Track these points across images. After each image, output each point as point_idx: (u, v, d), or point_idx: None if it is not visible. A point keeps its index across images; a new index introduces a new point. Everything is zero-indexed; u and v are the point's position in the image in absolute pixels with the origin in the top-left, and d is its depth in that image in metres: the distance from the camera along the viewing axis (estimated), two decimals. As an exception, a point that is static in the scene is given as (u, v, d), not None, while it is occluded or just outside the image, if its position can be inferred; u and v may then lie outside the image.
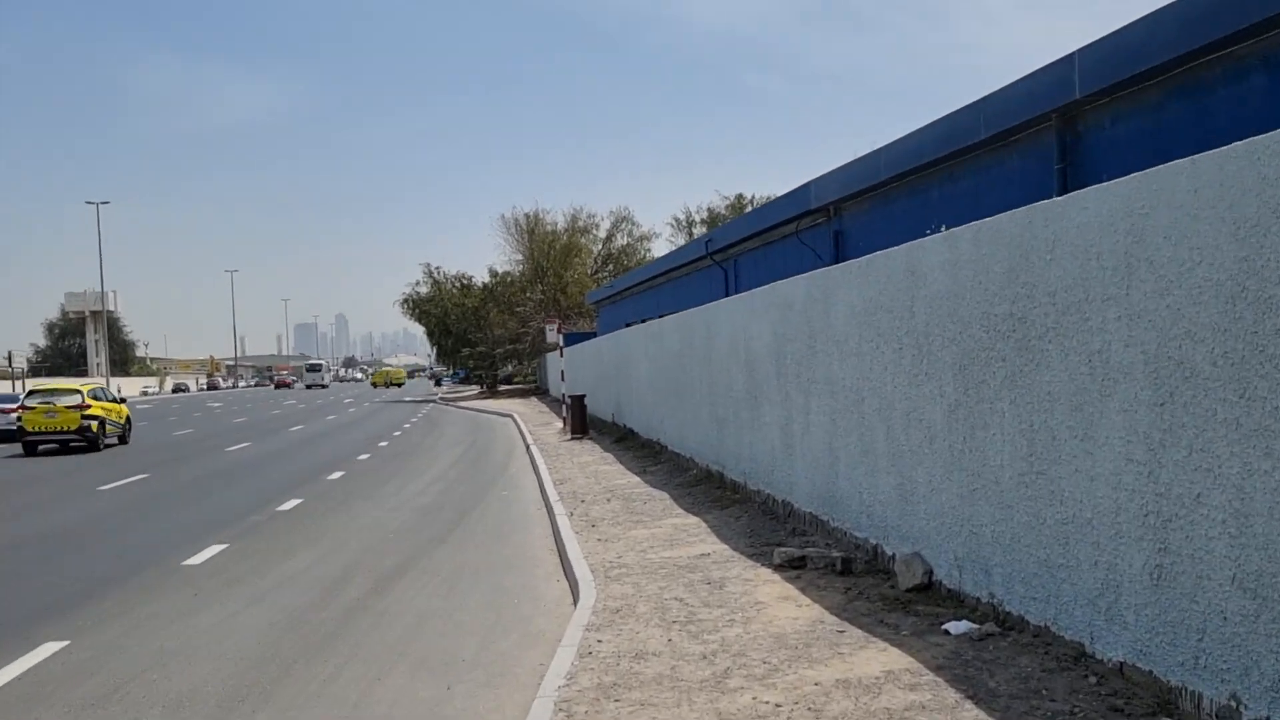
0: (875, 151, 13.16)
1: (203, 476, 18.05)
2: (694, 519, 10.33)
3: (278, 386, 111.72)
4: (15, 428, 26.36)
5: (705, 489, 12.27)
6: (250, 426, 34.75)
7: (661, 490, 12.67)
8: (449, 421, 34.54)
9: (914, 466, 6.70)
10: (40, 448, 25.54)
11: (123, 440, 27.40)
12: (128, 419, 28.21)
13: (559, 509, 11.57)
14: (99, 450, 25.12)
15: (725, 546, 8.80)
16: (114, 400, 27.94)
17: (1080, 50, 9.11)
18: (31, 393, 27.69)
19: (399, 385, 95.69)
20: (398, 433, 29.12)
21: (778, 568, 7.66)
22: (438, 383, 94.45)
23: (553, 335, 26.17)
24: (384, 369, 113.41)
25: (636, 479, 14.21)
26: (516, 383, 63.44)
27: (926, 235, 7.22)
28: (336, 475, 17.38)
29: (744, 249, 19.88)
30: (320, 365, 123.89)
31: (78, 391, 26.18)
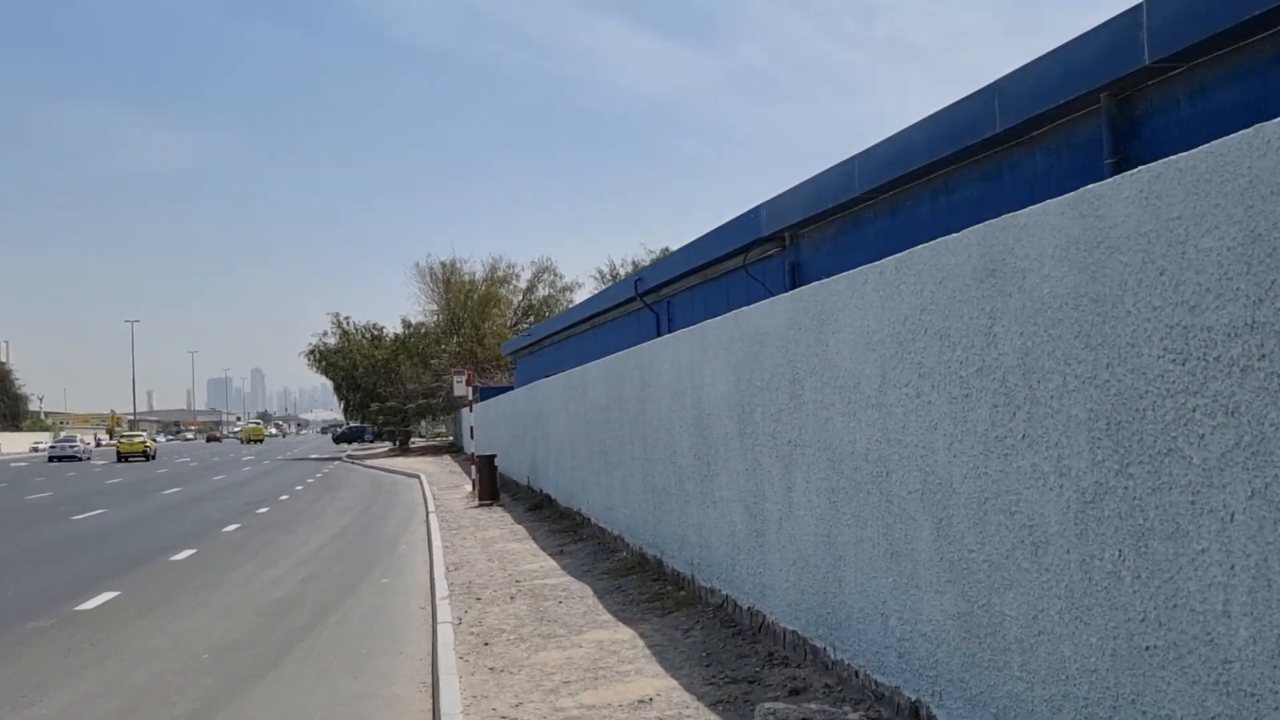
0: (846, 162, 10.77)
1: (8, 556, 14.60)
2: (626, 631, 7.55)
3: (209, 440, 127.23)
4: (87, 456, 60.05)
5: (639, 581, 9.50)
6: (121, 489, 30.87)
7: (582, 582, 9.86)
8: (348, 483, 31.18)
9: (999, 589, 4.08)
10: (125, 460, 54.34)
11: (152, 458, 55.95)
12: (155, 449, 60.21)
13: (444, 612, 8.68)
14: (152, 460, 54.68)
15: (674, 684, 6.05)
16: (152, 439, 65.44)
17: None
18: (121, 436, 65.94)
19: (259, 441, 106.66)
20: (285, 496, 25.73)
21: (762, 738, 4.93)
22: (336, 440, 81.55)
23: (461, 388, 23.25)
24: (248, 426, 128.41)
25: (551, 563, 11.38)
26: (430, 439, 59.97)
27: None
28: (184, 555, 14.15)
29: (680, 288, 17.34)
30: (258, 423, 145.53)
31: (142, 435, 64.31)
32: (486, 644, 7.41)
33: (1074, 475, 3.59)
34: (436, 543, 13.73)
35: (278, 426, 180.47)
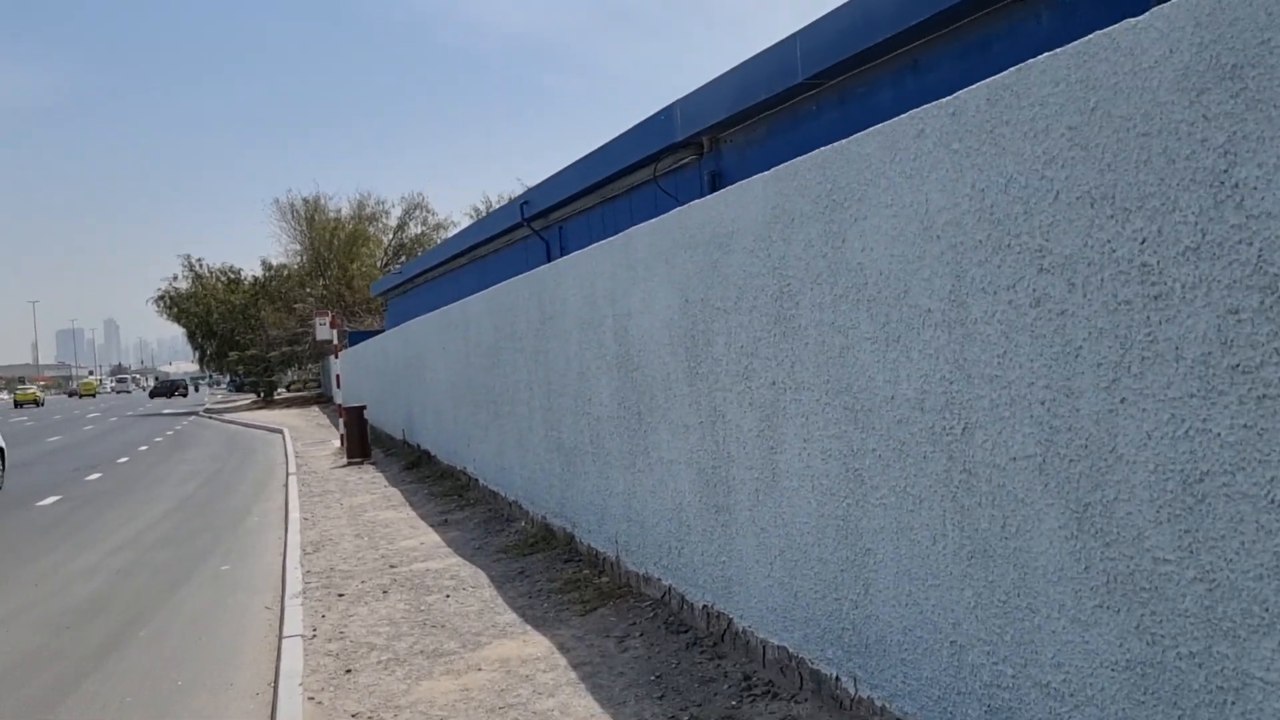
0: (784, 42, 8.88)
1: None
2: (540, 642, 5.67)
3: (70, 395, 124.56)
4: None
5: (546, 562, 7.62)
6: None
7: (474, 565, 7.92)
8: (201, 441, 28.15)
9: (1242, 631, 2.34)
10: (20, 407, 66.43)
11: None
12: (44, 398, 77.21)
13: (295, 617, 6.63)
14: (42, 406, 70.94)
15: (620, 734, 4.21)
16: (40, 390, 79.76)
17: None
18: (15, 388, 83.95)
19: (91, 395, 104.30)
20: (124, 459, 22.73)
21: None
22: (152, 395, 79.81)
23: (324, 331, 20.71)
24: (20, 389, 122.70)
25: (433, 537, 9.38)
26: (297, 390, 56.47)
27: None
28: (-24, 541, 11.52)
29: (575, 210, 15.27)
30: (126, 377, 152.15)
31: (33, 387, 78.22)
32: (349, 671, 5.42)
33: None
34: (294, 514, 11.53)
35: (134, 380, 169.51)
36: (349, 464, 16.96)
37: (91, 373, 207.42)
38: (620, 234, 6.36)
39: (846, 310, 3.84)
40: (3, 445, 17.10)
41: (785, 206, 4.26)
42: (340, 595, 7.24)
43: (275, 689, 5.29)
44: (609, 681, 4.89)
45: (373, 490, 13.35)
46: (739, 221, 4.69)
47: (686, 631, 5.40)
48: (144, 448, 26.47)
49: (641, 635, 5.51)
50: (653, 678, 4.86)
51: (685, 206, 5.35)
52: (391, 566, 8.16)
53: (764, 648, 4.69)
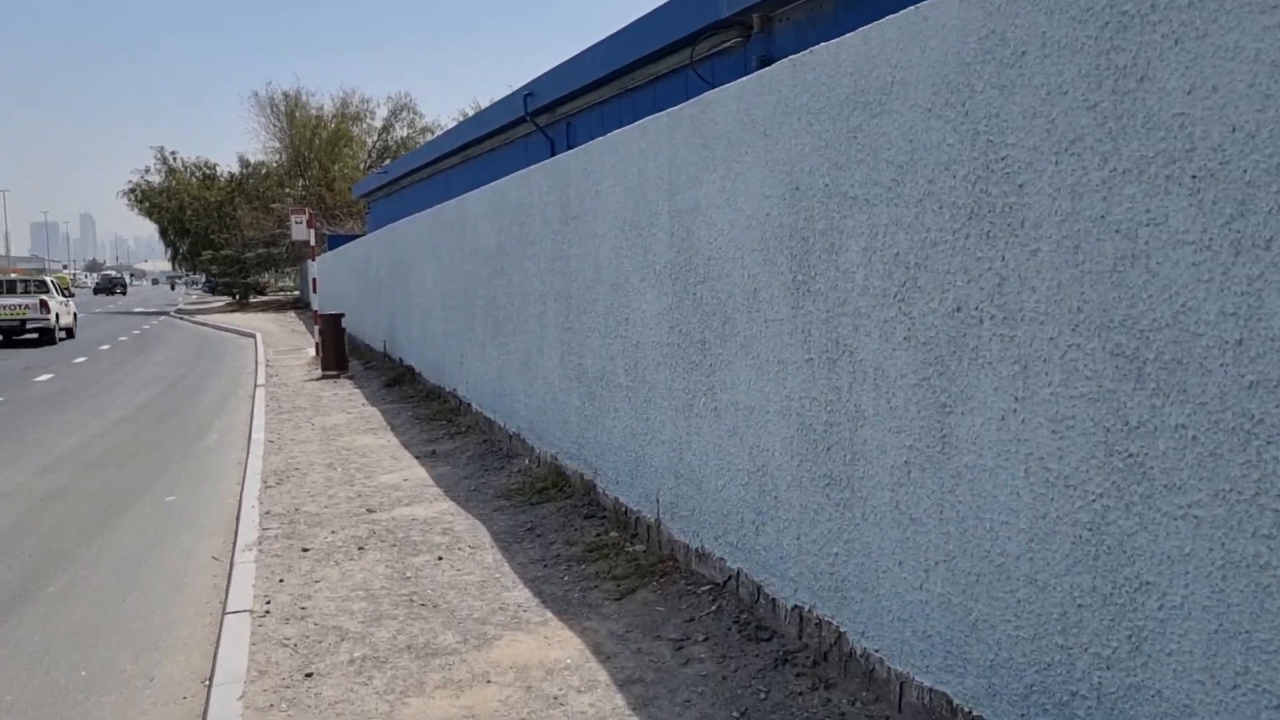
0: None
1: None
2: (567, 637, 4.25)
3: None
4: None
5: (561, 515, 6.19)
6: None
7: (469, 514, 6.47)
8: (169, 343, 26.48)
9: None
10: None
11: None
12: None
13: (245, 581, 5.19)
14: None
15: (707, 820, 2.81)
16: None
17: None
18: None
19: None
20: (81, 359, 21.09)
21: None
22: (96, 291, 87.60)
23: (301, 231, 18.94)
24: (61, 276, 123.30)
25: (419, 471, 7.94)
26: (274, 293, 54.56)
27: None
28: (-111, 448, 10.01)
29: (587, 103, 13.49)
30: (112, 272, 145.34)
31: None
32: (309, 675, 3.99)
33: None
34: (258, 434, 10.05)
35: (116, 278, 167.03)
36: (324, 377, 15.44)
37: (65, 266, 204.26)
38: (688, 102, 4.79)
39: (1137, 195, 2.33)
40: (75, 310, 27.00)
41: (1007, 35, 2.72)
42: (305, 550, 5.80)
43: (208, 697, 3.85)
44: (673, 716, 3.49)
45: (349, 409, 11.87)
46: (907, 66, 3.14)
47: (770, 639, 3.99)
48: (106, 347, 24.83)
49: (706, 639, 4.10)
50: (736, 715, 3.46)
51: (804, 53, 3.78)
52: (370, 511, 6.72)
53: (901, 686, 3.29)
